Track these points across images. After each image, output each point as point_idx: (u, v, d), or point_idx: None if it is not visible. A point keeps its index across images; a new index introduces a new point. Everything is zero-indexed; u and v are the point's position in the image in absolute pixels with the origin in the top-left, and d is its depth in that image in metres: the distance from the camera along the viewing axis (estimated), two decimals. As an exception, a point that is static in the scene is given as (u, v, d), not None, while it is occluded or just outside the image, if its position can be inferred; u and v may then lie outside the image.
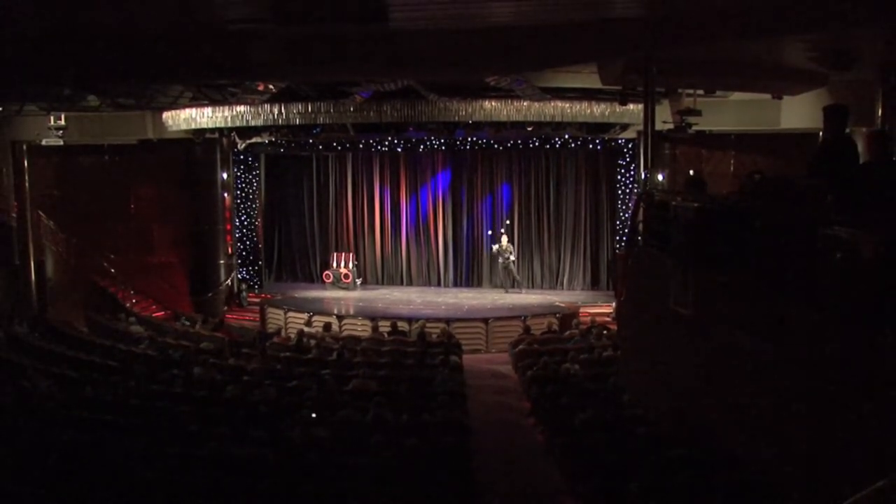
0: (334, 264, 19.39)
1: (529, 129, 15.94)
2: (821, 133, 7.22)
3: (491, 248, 18.49)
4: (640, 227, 7.44)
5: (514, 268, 18.45)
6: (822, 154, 5.60)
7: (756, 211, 5.28)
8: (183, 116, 15.70)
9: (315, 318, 15.77)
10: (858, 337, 4.05)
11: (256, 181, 19.85)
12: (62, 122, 14.16)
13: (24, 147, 16.11)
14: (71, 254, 17.23)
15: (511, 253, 18.27)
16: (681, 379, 6.40)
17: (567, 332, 14.08)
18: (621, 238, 17.05)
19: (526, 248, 19.14)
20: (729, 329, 5.47)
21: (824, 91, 10.77)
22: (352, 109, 14.70)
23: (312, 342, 12.99)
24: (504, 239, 18.26)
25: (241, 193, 19.50)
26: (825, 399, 4.33)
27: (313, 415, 8.08)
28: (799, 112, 12.91)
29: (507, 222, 18.79)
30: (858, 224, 4.11)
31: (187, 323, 15.70)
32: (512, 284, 18.53)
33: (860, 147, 5.63)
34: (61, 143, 14.43)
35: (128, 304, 16.86)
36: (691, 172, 15.19)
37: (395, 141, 18.44)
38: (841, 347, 4.17)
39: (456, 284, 19.52)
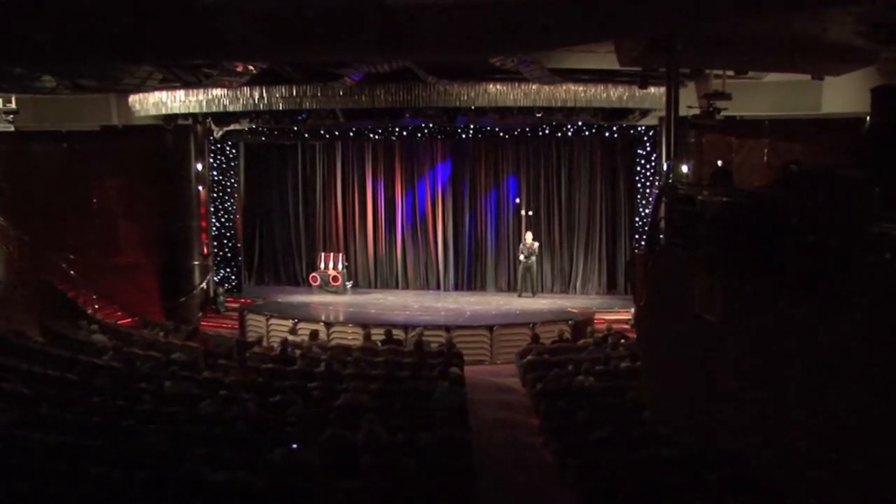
0: (322, 265, 19.41)
1: (538, 115, 15.92)
2: (868, 118, 7.20)
3: (519, 257, 18.38)
4: (662, 224, 7.43)
5: (534, 271, 18.41)
6: (868, 142, 5.58)
7: (793, 206, 5.27)
8: (152, 100, 15.71)
9: (300, 325, 15.79)
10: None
11: (235, 173, 19.81)
12: (13, 106, 14.10)
13: (-31, 134, 16.08)
14: (24, 254, 17.15)
15: (534, 254, 18.20)
16: (707, 393, 6.38)
17: (580, 341, 14.10)
18: (641, 237, 17.06)
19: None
20: (761, 338, 5.46)
21: (872, 70, 10.72)
22: (341, 94, 14.73)
23: (297, 352, 13.00)
24: (529, 236, 18.22)
25: (217, 187, 19.47)
26: (872, 416, 4.31)
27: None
28: (843, 95, 12.87)
29: (530, 213, 18.61)
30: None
31: (157, 331, 15.68)
32: (527, 289, 18.43)
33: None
34: (12, 128, 14.38)
35: (90, 311, 16.82)
36: (719, 163, 15.17)
37: (390, 129, 18.40)
38: (890, 358, 4.15)
39: (457, 288, 19.51)
